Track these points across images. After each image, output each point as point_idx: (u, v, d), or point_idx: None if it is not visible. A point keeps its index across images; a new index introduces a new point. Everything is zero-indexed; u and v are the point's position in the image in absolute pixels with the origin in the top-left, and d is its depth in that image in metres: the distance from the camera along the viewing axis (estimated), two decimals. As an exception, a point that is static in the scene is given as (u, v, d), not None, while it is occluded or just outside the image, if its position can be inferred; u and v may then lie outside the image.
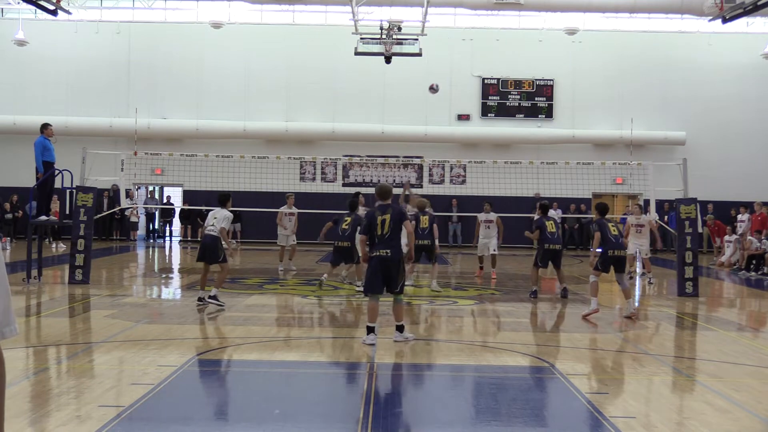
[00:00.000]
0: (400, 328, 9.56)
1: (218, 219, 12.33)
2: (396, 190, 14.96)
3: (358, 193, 17.98)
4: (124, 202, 19.27)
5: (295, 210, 18.44)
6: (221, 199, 12.77)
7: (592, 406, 6.63)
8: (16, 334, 2.83)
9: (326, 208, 21.76)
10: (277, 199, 25.59)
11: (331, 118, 29.94)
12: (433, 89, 18.78)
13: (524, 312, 13.22)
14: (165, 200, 31.16)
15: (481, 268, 18.34)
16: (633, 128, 27.32)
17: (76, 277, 14.94)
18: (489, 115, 30.49)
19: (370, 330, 9.35)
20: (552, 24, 29.43)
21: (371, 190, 29.23)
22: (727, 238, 22.99)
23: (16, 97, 29.74)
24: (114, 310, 11.91)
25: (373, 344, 9.21)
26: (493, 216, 17.71)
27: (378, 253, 9.44)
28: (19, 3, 27.87)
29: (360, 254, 15.63)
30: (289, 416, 6.32)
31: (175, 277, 19.07)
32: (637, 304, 14.68)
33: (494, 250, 17.64)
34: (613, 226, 12.23)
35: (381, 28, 22.39)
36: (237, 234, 29.56)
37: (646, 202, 17.63)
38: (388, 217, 9.50)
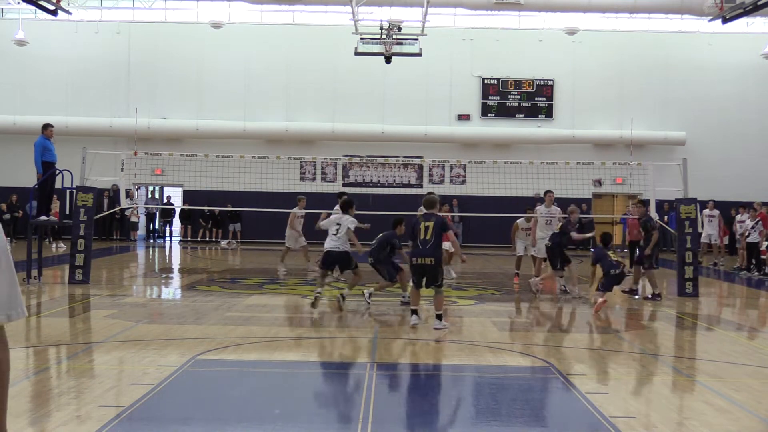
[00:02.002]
0: (438, 317, 10.39)
1: (344, 224, 12.18)
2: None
3: (342, 193, 17.53)
4: (124, 202, 19.26)
5: (303, 212, 18.26)
6: (345, 205, 12.69)
7: (592, 406, 6.63)
8: (24, 315, 2.85)
9: (326, 208, 21.70)
10: (278, 199, 25.61)
11: (331, 118, 29.94)
12: (597, 184, 17.92)
13: (524, 312, 13.24)
14: (165, 200, 31.17)
15: (517, 274, 16.98)
16: (633, 128, 27.31)
17: (76, 277, 14.94)
18: (489, 115, 30.49)
19: (414, 312, 10.57)
20: (552, 24, 29.43)
21: (371, 190, 29.45)
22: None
23: (16, 97, 29.75)
24: (114, 310, 11.91)
25: (416, 324, 10.40)
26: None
27: (422, 261, 10.48)
28: (19, 3, 27.87)
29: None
30: (289, 416, 6.32)
31: (175, 277, 19.08)
32: (637, 303, 14.71)
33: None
34: (612, 252, 13.40)
35: (381, 28, 22.38)
36: (237, 234, 29.59)
37: (646, 202, 17.59)
38: (431, 224, 10.50)
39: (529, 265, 16.91)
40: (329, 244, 12.29)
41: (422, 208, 11.20)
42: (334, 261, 12.63)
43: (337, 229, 12.22)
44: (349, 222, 12.34)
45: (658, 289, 14.47)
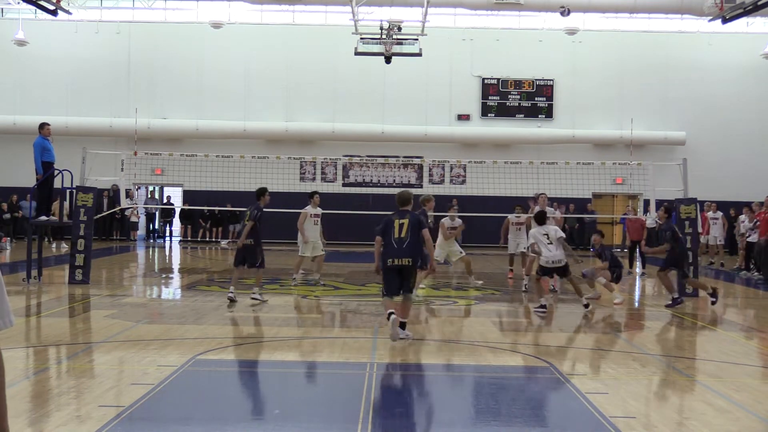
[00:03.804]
0: (402, 325, 9.54)
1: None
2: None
3: (314, 192, 16.50)
4: (124, 202, 19.26)
5: (320, 211, 16.28)
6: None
7: (592, 406, 6.63)
8: (11, 325, 2.82)
9: (326, 208, 21.71)
10: (277, 199, 25.56)
11: (331, 118, 29.95)
12: (564, 12, 16.42)
13: (524, 312, 13.23)
14: (165, 200, 31.17)
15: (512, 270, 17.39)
16: (633, 128, 27.32)
17: (76, 277, 14.94)
18: (489, 115, 30.49)
19: (391, 314, 9.47)
20: (552, 24, 29.44)
21: (371, 190, 29.44)
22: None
23: (16, 97, 29.76)
24: (114, 310, 11.91)
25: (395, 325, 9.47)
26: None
27: (398, 262, 9.49)
28: (19, 3, 27.88)
29: (301, 253, 15.46)
30: (289, 416, 6.32)
31: (175, 277, 19.07)
32: (636, 304, 14.70)
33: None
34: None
35: (381, 28, 22.40)
36: (237, 234, 29.57)
37: (646, 202, 17.58)
38: (406, 221, 9.58)
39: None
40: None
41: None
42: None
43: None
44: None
45: (675, 293, 13.63)
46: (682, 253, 13.71)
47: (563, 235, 13.10)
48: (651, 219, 19.10)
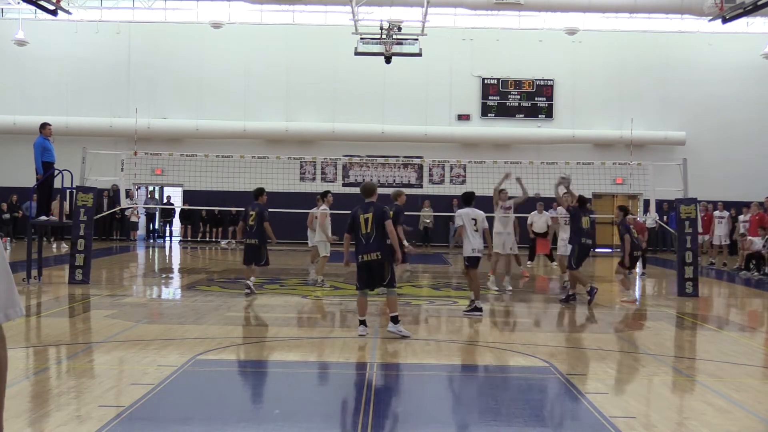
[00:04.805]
0: (394, 319, 9.77)
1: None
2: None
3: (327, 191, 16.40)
4: (124, 202, 19.26)
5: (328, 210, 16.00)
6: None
7: (592, 406, 6.63)
8: (22, 314, 2.84)
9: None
10: (277, 199, 25.60)
11: (331, 118, 29.94)
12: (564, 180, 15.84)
13: (524, 312, 13.24)
14: (165, 200, 31.17)
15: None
16: (633, 128, 27.31)
17: (76, 277, 14.94)
18: (489, 115, 30.49)
19: (361, 322, 9.87)
20: (552, 24, 29.43)
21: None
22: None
23: (16, 97, 29.74)
24: (114, 310, 11.91)
25: (364, 335, 9.70)
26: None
27: (367, 258, 9.68)
28: (19, 3, 27.87)
29: (323, 254, 15.31)
30: (289, 416, 6.32)
31: (175, 277, 19.07)
32: (638, 303, 14.70)
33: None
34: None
35: (381, 28, 22.40)
36: (237, 234, 29.55)
37: (646, 202, 17.58)
38: (370, 216, 9.64)
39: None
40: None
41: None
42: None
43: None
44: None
45: (574, 290, 13.62)
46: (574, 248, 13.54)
47: (486, 226, 12.07)
48: (651, 219, 19.10)
